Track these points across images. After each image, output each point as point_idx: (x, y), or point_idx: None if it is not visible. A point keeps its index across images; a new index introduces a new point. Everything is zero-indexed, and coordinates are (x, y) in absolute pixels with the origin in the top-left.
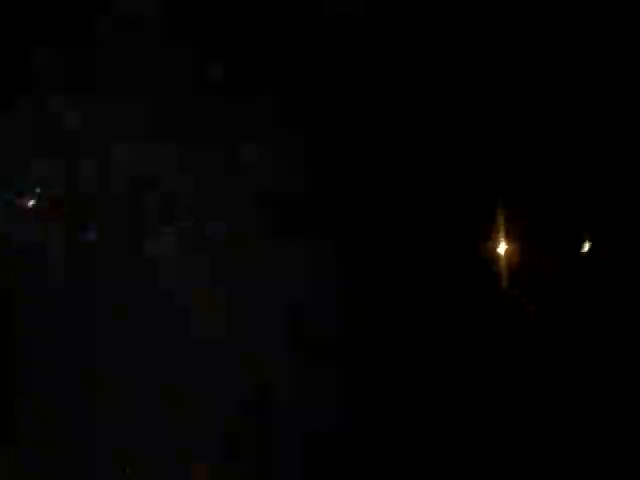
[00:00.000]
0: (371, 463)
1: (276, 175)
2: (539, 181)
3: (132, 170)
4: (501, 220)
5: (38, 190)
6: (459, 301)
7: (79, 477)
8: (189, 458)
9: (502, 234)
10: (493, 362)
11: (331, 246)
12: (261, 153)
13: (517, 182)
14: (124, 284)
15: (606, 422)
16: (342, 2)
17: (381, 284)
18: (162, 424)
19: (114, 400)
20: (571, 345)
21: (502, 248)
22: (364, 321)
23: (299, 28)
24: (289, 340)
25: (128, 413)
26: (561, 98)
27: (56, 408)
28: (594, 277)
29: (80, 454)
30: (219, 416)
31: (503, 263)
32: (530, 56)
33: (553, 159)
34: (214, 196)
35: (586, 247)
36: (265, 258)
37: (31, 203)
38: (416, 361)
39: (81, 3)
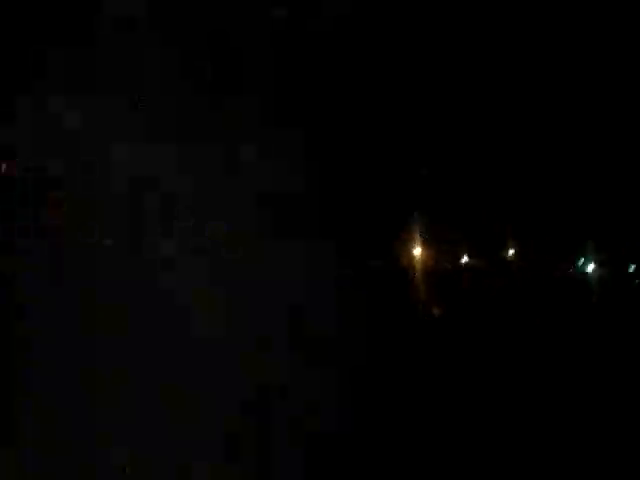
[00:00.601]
0: (371, 463)
1: (276, 175)
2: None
3: (132, 170)
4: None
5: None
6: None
7: (79, 477)
8: (189, 458)
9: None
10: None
11: (331, 246)
12: (261, 153)
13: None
14: (124, 284)
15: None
16: (342, 2)
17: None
18: (162, 424)
19: (114, 400)
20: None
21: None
22: (364, 321)
23: (299, 29)
24: (289, 340)
25: (128, 413)
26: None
27: (56, 408)
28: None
29: (80, 454)
30: (219, 416)
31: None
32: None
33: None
34: (214, 196)
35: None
36: (265, 258)
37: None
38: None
39: (81, 4)
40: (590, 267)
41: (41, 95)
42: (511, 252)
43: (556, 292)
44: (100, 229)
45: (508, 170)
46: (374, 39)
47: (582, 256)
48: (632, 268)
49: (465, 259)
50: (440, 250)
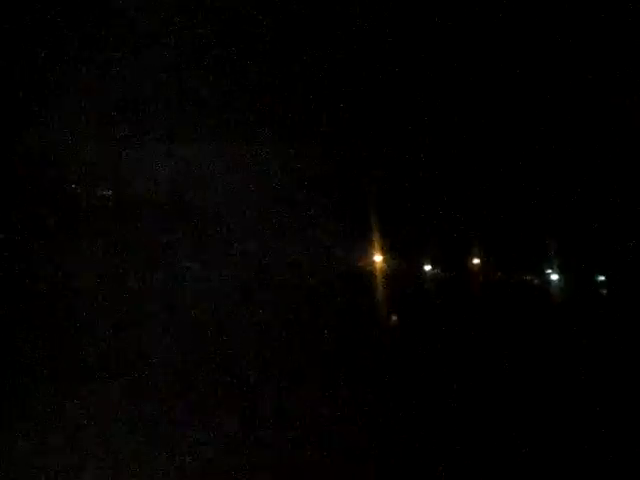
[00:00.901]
0: (374, 462)
1: (277, 175)
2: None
3: (136, 170)
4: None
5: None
6: None
7: (78, 476)
8: (189, 457)
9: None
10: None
11: (331, 245)
12: (261, 153)
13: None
14: (124, 284)
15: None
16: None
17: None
18: (162, 422)
19: (114, 399)
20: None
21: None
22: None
23: (300, 30)
24: (284, 332)
25: (128, 411)
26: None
27: (57, 407)
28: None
29: (80, 453)
30: (219, 412)
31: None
32: None
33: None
34: (218, 198)
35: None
36: (265, 257)
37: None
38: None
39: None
40: (555, 277)
41: (44, 96)
42: (476, 261)
43: (520, 301)
44: (102, 229)
45: (478, 179)
46: (373, 40)
47: (549, 266)
48: (599, 278)
49: (429, 267)
50: (405, 257)
